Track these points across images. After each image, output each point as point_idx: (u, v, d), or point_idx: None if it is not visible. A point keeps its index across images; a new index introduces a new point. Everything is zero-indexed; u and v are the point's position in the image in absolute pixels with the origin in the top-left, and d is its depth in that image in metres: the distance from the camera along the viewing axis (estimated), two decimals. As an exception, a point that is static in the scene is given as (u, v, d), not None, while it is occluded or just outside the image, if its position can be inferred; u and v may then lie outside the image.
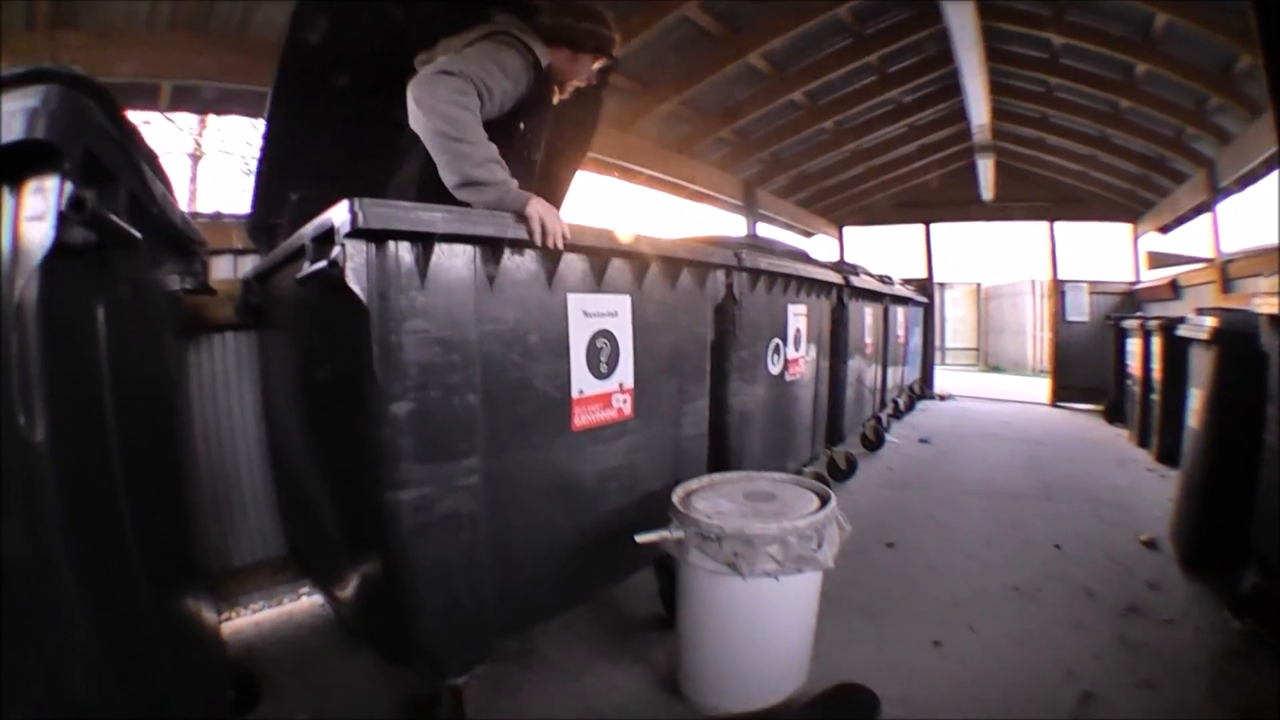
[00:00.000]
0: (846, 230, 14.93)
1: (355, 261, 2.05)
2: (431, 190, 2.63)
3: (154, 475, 2.02)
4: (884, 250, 20.15)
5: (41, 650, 1.37)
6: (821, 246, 14.12)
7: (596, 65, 3.40)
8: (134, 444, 1.75)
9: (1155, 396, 7.60)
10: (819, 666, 2.91)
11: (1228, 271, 8.97)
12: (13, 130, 1.32)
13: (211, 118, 6.01)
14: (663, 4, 6.50)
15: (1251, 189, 8.79)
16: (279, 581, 3.71)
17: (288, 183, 3.48)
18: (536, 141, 3.23)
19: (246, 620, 3.51)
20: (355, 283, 2.06)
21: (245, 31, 4.77)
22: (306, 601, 3.72)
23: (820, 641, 2.93)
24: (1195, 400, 4.46)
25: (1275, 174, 8.06)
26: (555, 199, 3.47)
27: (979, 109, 9.06)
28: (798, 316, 4.86)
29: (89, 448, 1.52)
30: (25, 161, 1.34)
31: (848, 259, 9.61)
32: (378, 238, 2.08)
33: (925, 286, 12.80)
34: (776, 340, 4.50)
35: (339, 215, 2.04)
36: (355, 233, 2.01)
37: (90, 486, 1.50)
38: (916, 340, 11.26)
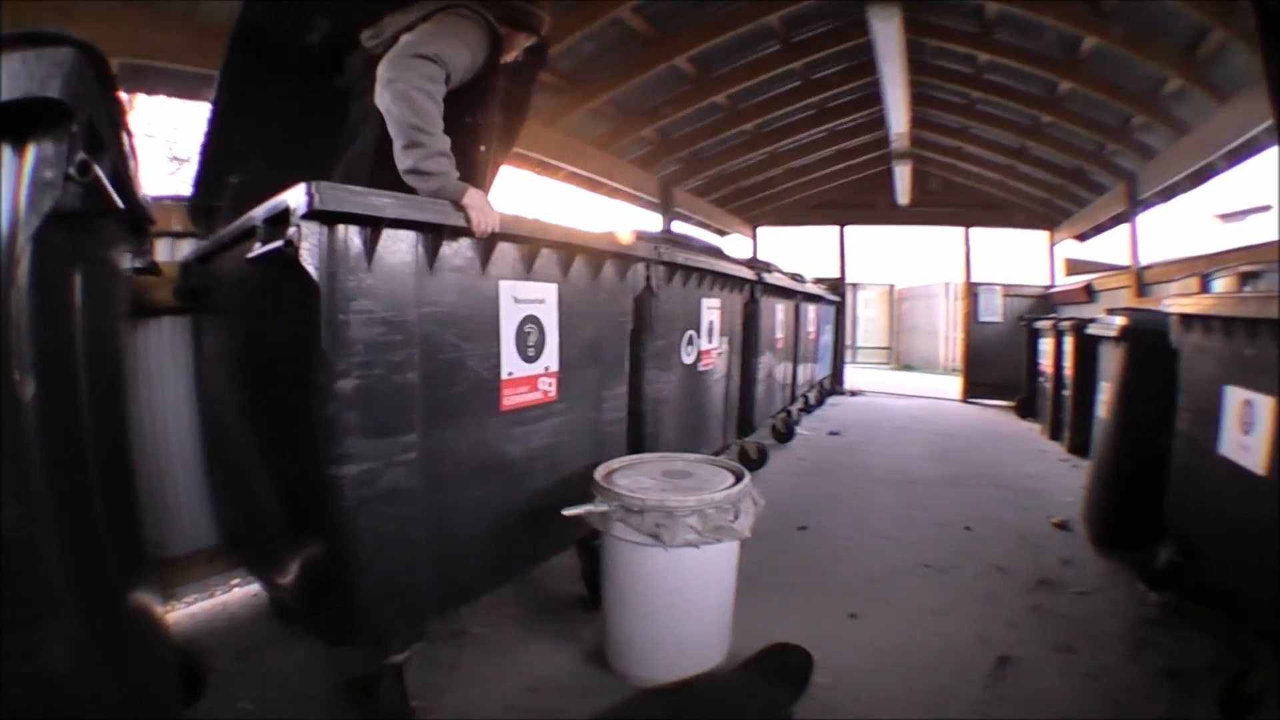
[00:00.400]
0: (761, 230, 15.22)
1: (309, 242, 2.14)
2: (387, 168, 2.73)
3: (113, 456, 2.07)
4: (798, 250, 20.42)
5: (25, 621, 1.41)
6: (736, 245, 14.35)
7: (527, 43, 3.47)
8: (99, 420, 1.81)
9: (1067, 392, 7.99)
10: (740, 639, 3.05)
11: (1143, 277, 9.37)
12: (29, 87, 1.37)
13: (140, 98, 5.86)
14: (599, 6, 6.64)
15: (1175, 201, 9.19)
16: (213, 572, 3.69)
17: (229, 165, 3.49)
18: (491, 107, 3.29)
19: (182, 612, 3.51)
20: (309, 262, 2.15)
21: (195, 12, 4.74)
22: (239, 592, 3.74)
23: (740, 617, 3.07)
24: (1105, 392, 4.80)
25: (1199, 188, 8.49)
26: (486, 182, 3.57)
27: (899, 118, 9.30)
28: (711, 310, 5.03)
29: (66, 416, 1.59)
30: (27, 120, 1.38)
31: (761, 258, 9.78)
32: (330, 220, 2.17)
33: (838, 286, 13.06)
34: (691, 331, 4.67)
35: (294, 197, 2.12)
36: (310, 214, 2.10)
37: (66, 454, 1.56)
38: (828, 338, 11.52)
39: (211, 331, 3.46)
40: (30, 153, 1.39)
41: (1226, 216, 25.81)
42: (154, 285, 3.36)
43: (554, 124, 7.95)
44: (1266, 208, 23.14)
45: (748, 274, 5.85)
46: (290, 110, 3.51)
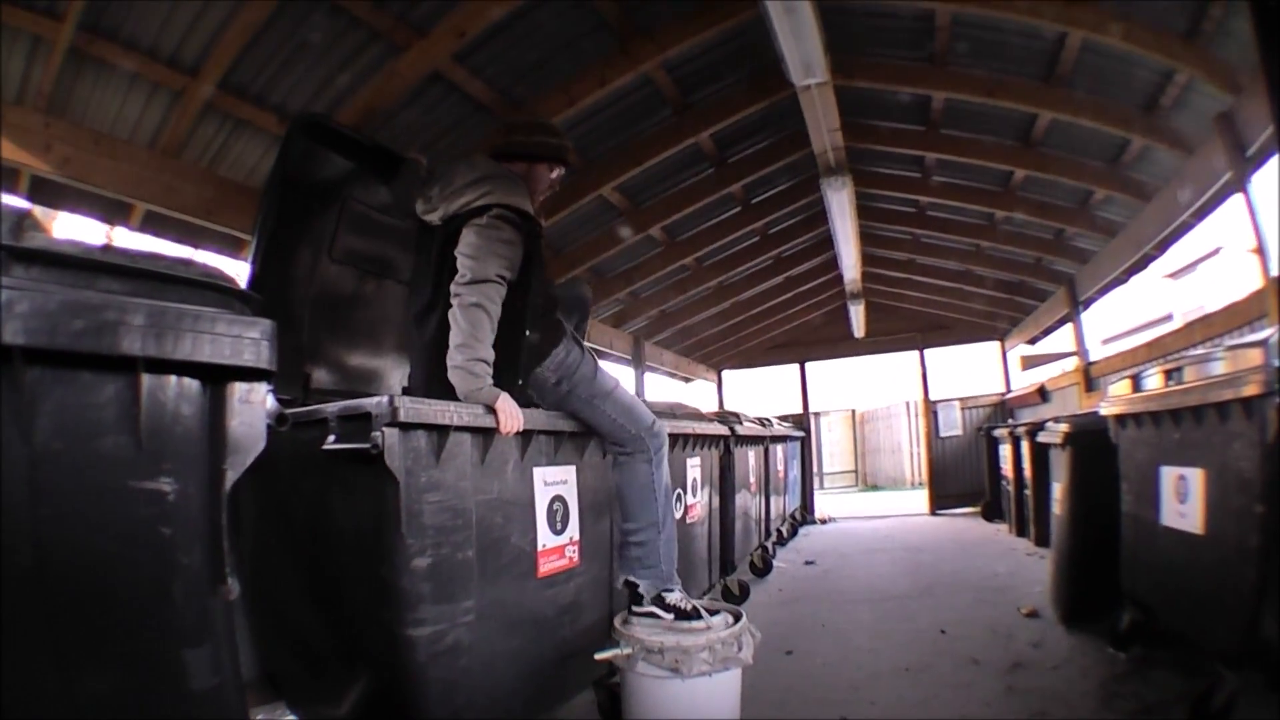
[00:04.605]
0: (725, 373, 15.83)
1: (390, 444, 2.64)
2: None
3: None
4: (762, 388, 20.99)
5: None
6: (701, 391, 14.95)
7: (554, 174, 3.87)
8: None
9: (1028, 491, 8.53)
10: (745, 752, 3.43)
11: (1090, 372, 10.06)
12: (249, 355, 1.83)
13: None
14: (586, 185, 7.42)
15: (1112, 294, 10.03)
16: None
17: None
18: (540, 280, 3.63)
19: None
20: (391, 462, 2.64)
21: (217, 165, 5.22)
22: None
23: None
24: (1057, 491, 5.42)
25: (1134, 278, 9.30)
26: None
27: (850, 264, 9.99)
28: (694, 468, 5.54)
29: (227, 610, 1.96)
30: (227, 372, 1.82)
31: (729, 403, 10.17)
32: (405, 426, 2.68)
33: (801, 421, 13.45)
34: (679, 490, 5.14)
35: (376, 406, 2.65)
36: (391, 422, 2.63)
37: (231, 631, 1.96)
38: (795, 472, 11.87)
39: (251, 492, 3.61)
40: (233, 398, 1.85)
41: (1175, 274, 26.80)
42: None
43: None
44: (1215, 251, 24.10)
45: (722, 430, 6.30)
46: (309, 276, 4.10)
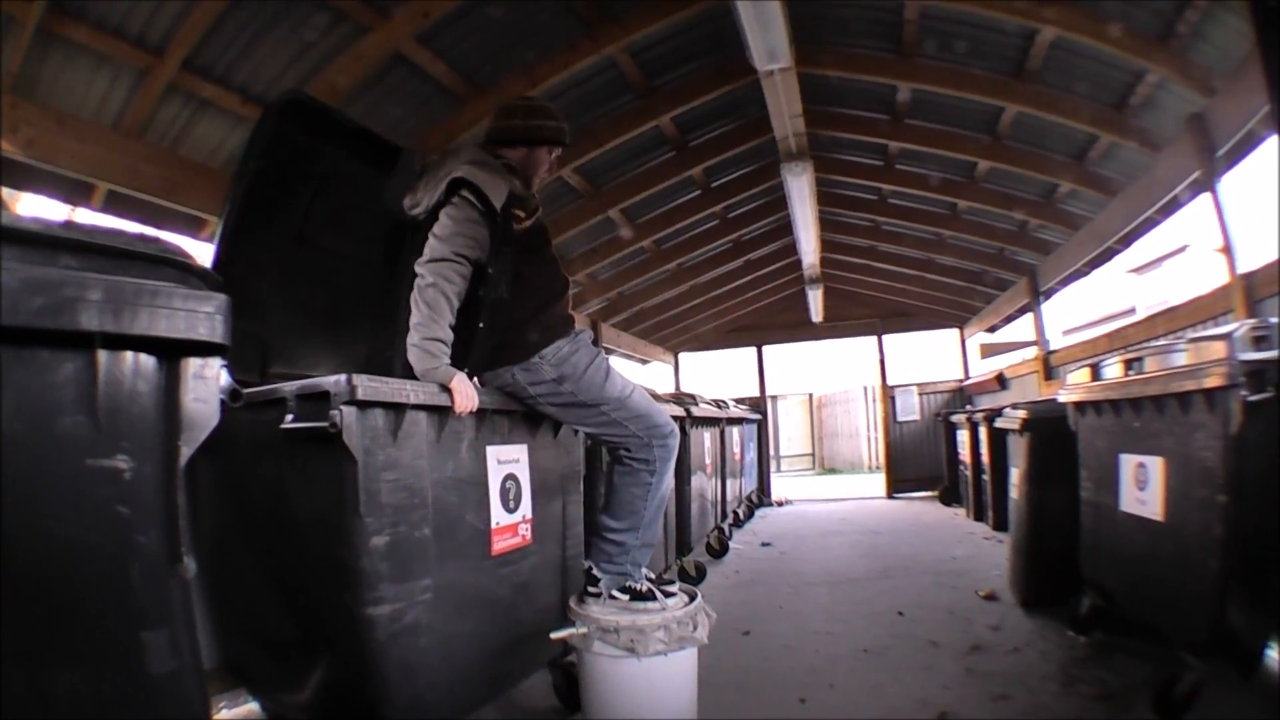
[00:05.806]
0: (683, 355, 15.89)
1: (349, 422, 2.65)
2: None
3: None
4: (719, 370, 21.04)
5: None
6: (657, 372, 15.03)
7: (553, 155, 3.91)
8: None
9: (986, 476, 8.70)
10: (704, 733, 3.45)
11: (1050, 361, 10.17)
12: (204, 330, 1.78)
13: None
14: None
15: (1074, 286, 10.12)
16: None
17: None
18: (503, 273, 3.52)
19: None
20: (349, 440, 2.66)
21: (179, 146, 5.18)
22: (228, 713, 3.76)
23: (702, 713, 3.47)
24: (1014, 476, 5.50)
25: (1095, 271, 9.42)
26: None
27: (809, 249, 10.04)
28: (650, 449, 5.52)
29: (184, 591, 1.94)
30: (182, 347, 1.79)
31: (686, 385, 10.15)
32: (363, 404, 2.70)
33: (758, 404, 13.59)
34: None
35: (334, 384, 2.65)
36: (349, 400, 2.64)
37: (190, 615, 1.92)
38: (752, 454, 11.91)
39: (209, 477, 3.54)
40: (187, 375, 1.81)
41: (1140, 269, 27.13)
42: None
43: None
44: (1182, 248, 24.30)
45: (678, 411, 6.29)
46: (275, 258, 4.11)
